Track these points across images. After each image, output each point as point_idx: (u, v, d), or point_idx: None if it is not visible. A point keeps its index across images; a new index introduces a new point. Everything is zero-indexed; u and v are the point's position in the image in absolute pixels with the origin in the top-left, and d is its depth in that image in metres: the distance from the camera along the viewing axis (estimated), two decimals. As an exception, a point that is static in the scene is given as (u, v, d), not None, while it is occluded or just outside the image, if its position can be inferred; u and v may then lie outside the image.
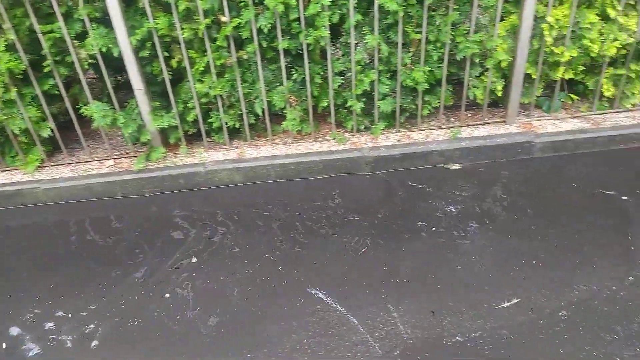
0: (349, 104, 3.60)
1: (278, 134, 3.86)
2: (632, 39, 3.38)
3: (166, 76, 3.42)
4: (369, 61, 3.54)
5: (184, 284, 2.75)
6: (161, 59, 3.36)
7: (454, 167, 3.60)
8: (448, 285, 2.59)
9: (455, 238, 2.91)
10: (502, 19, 3.47)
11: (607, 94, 3.65)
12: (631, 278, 2.54)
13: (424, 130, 3.80)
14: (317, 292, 2.62)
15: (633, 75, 3.58)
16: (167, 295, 2.68)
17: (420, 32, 3.33)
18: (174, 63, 3.45)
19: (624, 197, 3.10)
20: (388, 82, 3.54)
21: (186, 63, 3.38)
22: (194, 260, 2.92)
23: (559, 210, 3.06)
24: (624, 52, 3.49)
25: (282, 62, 3.41)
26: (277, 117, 3.79)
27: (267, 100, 3.59)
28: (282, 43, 3.31)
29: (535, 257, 2.73)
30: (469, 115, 3.94)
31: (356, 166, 3.62)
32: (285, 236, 3.06)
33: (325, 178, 3.60)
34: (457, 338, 2.30)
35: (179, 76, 3.58)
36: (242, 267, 2.84)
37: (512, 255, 2.76)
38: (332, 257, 2.86)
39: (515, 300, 2.47)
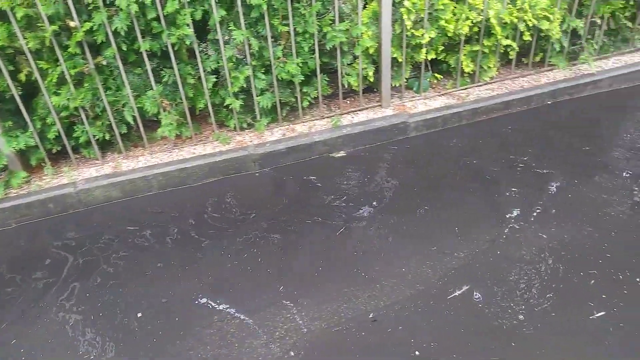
0: (227, 102, 3.50)
1: (156, 141, 3.65)
2: (481, 17, 3.68)
3: (15, 92, 3.05)
4: (241, 57, 3.46)
5: (69, 316, 2.49)
6: (5, 73, 2.98)
7: (339, 155, 3.68)
8: (344, 273, 2.64)
9: (347, 225, 2.98)
10: (364, 7, 3.59)
11: (467, 70, 3.95)
12: (501, 240, 2.78)
13: (307, 121, 3.82)
14: (212, 302, 2.53)
15: (487, 51, 3.90)
16: (56, 326, 2.41)
17: (287, 25, 3.31)
18: (22, 77, 3.09)
19: (490, 166, 3.39)
20: (264, 76, 3.50)
21: (37, 75, 3.05)
22: (76, 287, 2.65)
23: (437, 184, 3.26)
24: (476, 29, 3.78)
25: (148, 65, 3.21)
26: (153, 123, 3.58)
27: (138, 107, 3.36)
28: (143, 44, 3.11)
29: (420, 232, 2.88)
30: (348, 102, 4.04)
31: (243, 165, 3.54)
32: (172, 248, 2.90)
33: (213, 182, 3.48)
34: (355, 323, 2.35)
35: (32, 90, 3.22)
36: (130, 288, 2.64)
37: (400, 233, 2.89)
38: (225, 263, 2.77)
39: (463, 289, 2.59)
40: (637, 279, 2.45)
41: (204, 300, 2.54)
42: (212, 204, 3.24)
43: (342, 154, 3.68)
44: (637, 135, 3.58)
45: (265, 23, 3.28)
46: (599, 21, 4.05)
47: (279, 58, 3.44)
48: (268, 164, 3.58)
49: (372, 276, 2.61)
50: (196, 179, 3.45)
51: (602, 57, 4.30)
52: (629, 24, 4.12)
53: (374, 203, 3.14)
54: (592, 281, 2.47)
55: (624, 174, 3.20)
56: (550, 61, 4.15)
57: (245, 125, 3.74)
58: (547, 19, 3.77)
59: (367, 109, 3.95)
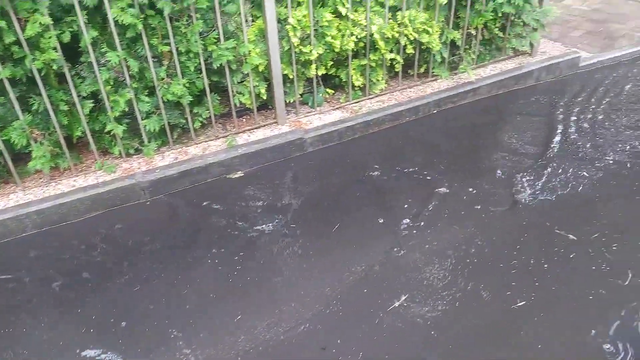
0: (108, 128, 3.26)
1: (30, 175, 3.30)
2: (365, 33, 3.79)
3: None
4: (121, 79, 3.24)
5: None
6: None
7: (236, 176, 3.57)
8: (242, 302, 2.54)
9: (246, 249, 2.88)
10: (253, 22, 3.54)
11: (357, 83, 4.04)
12: (396, 249, 2.85)
13: (200, 143, 3.67)
14: (95, 352, 2.30)
15: (374, 65, 4.02)
16: None
17: (168, 44, 3.16)
18: None
19: (383, 177, 3.48)
20: (148, 99, 3.31)
21: None
22: None
23: (334, 199, 3.28)
24: (362, 44, 3.88)
25: (11, 94, 2.89)
26: (26, 156, 3.23)
27: (4, 140, 3.02)
28: (3, 72, 2.79)
29: (320, 250, 2.86)
30: (244, 120, 3.96)
31: (132, 195, 3.31)
32: (51, 296, 2.62)
33: (97, 216, 3.21)
34: (254, 355, 2.26)
35: None
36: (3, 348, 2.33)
37: (300, 253, 2.85)
38: (109, 305, 2.54)
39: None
40: (513, 271, 2.62)
41: (90, 353, 2.31)
42: (97, 240, 2.98)
43: (239, 174, 3.58)
44: (514, 138, 3.87)
45: (144, 43, 3.10)
46: (474, 32, 4.35)
47: (162, 79, 3.27)
48: (160, 191, 3.38)
49: (272, 301, 2.53)
50: (78, 214, 3.16)
51: (480, 66, 4.62)
52: (500, 34, 4.47)
53: (273, 224, 3.07)
54: (481, 284, 2.60)
55: (504, 175, 3.43)
56: (433, 72, 4.38)
57: (132, 151, 3.51)
58: (427, 32, 3.97)
59: (263, 126, 3.89)
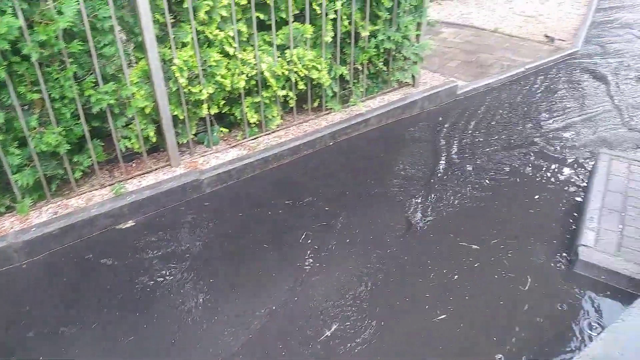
0: (-29, 186, 2.89)
1: None
2: (256, 71, 3.81)
3: None
4: (-16, 131, 2.92)
5: None
6: None
7: (127, 226, 3.34)
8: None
9: (139, 307, 2.66)
10: (136, 63, 3.39)
11: (252, 120, 4.02)
12: (299, 287, 2.81)
13: (83, 193, 3.39)
14: None
15: (267, 101, 4.05)
16: None
17: (39, 91, 2.92)
18: None
19: (283, 213, 3.46)
20: (18, 151, 3.00)
21: None
22: None
23: (235, 241, 3.18)
24: (253, 82, 3.89)
25: None
26: None
27: None
28: None
29: (222, 297, 2.74)
30: (134, 165, 3.74)
31: (4, 258, 2.94)
32: None
33: (-40, 286, 2.80)
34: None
35: None
36: None
37: (201, 303, 2.69)
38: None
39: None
40: (431, 284, 2.71)
41: None
42: (-40, 317, 2.59)
43: (130, 223, 3.35)
44: (405, 164, 4.07)
45: (10, 91, 2.83)
46: (360, 67, 4.57)
47: (34, 128, 2.99)
48: (38, 251, 3.04)
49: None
50: None
51: (369, 98, 4.85)
52: (385, 68, 4.75)
53: (170, 274, 2.89)
54: (397, 303, 2.63)
55: (399, 199, 3.58)
56: (327, 105, 4.51)
57: (3, 210, 3.14)
58: (316, 68, 4.09)
59: (155, 170, 3.70)
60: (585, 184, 3.70)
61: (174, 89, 3.50)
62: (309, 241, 3.16)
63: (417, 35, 4.84)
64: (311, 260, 3.00)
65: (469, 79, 5.57)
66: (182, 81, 3.43)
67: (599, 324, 2.55)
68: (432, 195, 3.62)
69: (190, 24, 3.40)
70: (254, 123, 4.12)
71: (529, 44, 6.56)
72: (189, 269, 2.94)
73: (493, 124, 4.72)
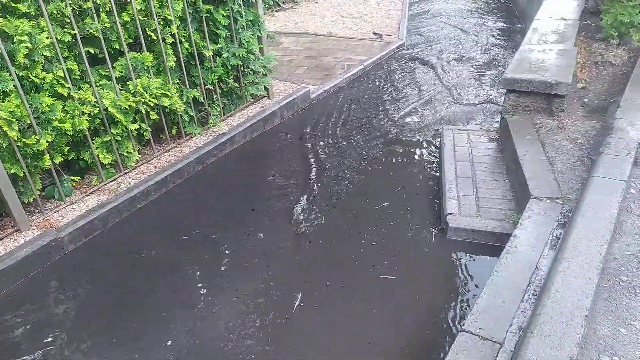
0: None
1: None
2: (98, 108, 3.50)
3: None
4: None
5: None
6: None
7: (-23, 313, 2.81)
8: None
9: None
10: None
11: (106, 161, 3.69)
12: (186, 327, 2.65)
13: None
14: None
15: (119, 138, 3.75)
16: None
17: None
18: None
19: (164, 252, 3.24)
20: None
21: None
22: None
23: (118, 294, 2.88)
24: (99, 121, 3.57)
25: None
26: None
27: None
28: None
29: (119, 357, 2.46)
30: (-30, 240, 3.18)
31: None
32: None
33: None
34: None
35: None
36: None
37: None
38: None
39: None
40: (326, 288, 2.75)
41: None
42: None
43: (-19, 309, 2.84)
44: (279, 175, 4.10)
45: None
46: (212, 87, 4.49)
47: None
48: None
49: None
50: None
51: (229, 116, 4.79)
52: (237, 85, 4.73)
53: (41, 353, 2.51)
54: (302, 316, 2.62)
55: (280, 212, 3.59)
56: (186, 131, 4.34)
57: None
58: (166, 95, 3.90)
59: (2, 239, 3.19)
60: (438, 159, 4.12)
61: (4, 145, 3.04)
62: (199, 274, 3.01)
63: (261, 49, 4.92)
64: (205, 293, 2.85)
65: (318, 82, 5.83)
66: (13, 134, 3.00)
67: (480, 277, 2.86)
68: (311, 199, 3.70)
69: (8, 71, 2.99)
70: (109, 164, 3.78)
71: (362, 43, 7.10)
72: (65, 341, 2.58)
73: (350, 121, 5.00)
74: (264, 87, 5.06)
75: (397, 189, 3.79)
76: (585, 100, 4.15)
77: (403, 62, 6.51)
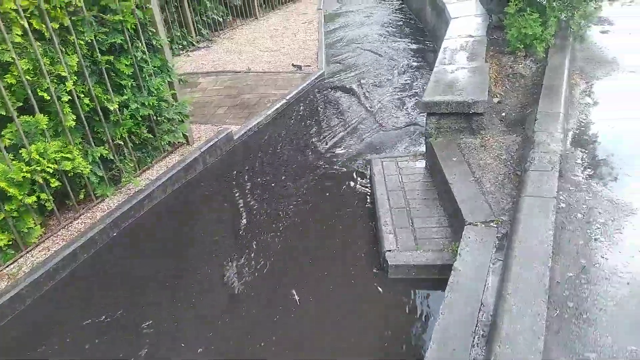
0: None
1: None
2: (-15, 185, 3.06)
3: None
4: None
5: None
6: None
7: None
8: None
9: None
10: None
11: (2, 243, 3.22)
12: None
13: None
14: None
15: (16, 214, 3.30)
16: None
17: None
18: None
19: (81, 341, 2.83)
20: None
21: None
22: None
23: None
24: (-13, 198, 3.13)
25: None
26: None
27: None
28: None
29: None
30: None
31: None
32: None
33: None
34: None
35: None
36: None
37: None
38: None
39: None
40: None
41: None
42: None
43: None
44: (204, 228, 3.80)
45: None
46: (122, 142, 4.13)
47: None
48: None
49: None
50: None
51: (146, 169, 4.43)
52: (151, 136, 4.40)
53: None
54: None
55: (212, 270, 3.28)
56: (96, 194, 3.93)
57: None
58: (67, 158, 3.51)
59: None
60: (371, 191, 4.00)
61: None
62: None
63: (174, 95, 4.64)
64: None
65: (241, 121, 5.60)
66: None
67: (429, 317, 2.71)
68: (241, 253, 3.43)
69: None
70: (6, 245, 3.31)
71: (283, 76, 6.99)
72: None
73: (276, 160, 4.80)
74: (182, 134, 4.75)
75: (332, 229, 3.61)
76: (503, 114, 4.22)
77: (325, 91, 6.45)
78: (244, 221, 3.82)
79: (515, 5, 4.74)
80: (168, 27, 8.06)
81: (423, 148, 4.31)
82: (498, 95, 4.50)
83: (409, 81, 6.44)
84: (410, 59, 7.28)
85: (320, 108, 5.95)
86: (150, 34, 4.29)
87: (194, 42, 8.78)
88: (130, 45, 4.05)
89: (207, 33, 9.11)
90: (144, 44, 4.22)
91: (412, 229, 3.24)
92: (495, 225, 2.85)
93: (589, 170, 3.13)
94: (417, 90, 6.07)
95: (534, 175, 2.89)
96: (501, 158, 3.54)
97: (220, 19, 9.46)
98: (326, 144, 5.01)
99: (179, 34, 8.41)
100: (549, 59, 4.59)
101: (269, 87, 6.58)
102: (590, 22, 4.89)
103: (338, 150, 4.86)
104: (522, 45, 4.77)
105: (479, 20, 5.89)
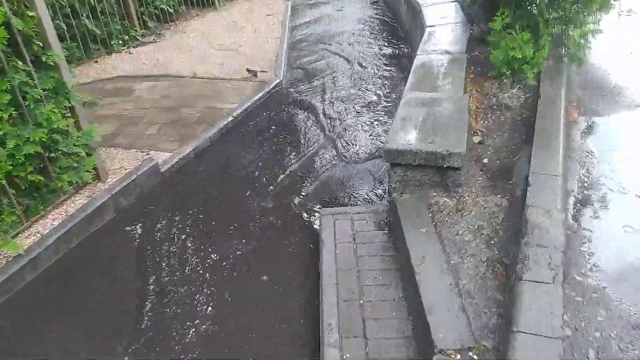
0: None
1: None
2: None
3: None
4: None
5: None
6: None
7: None
8: None
9: None
10: None
11: None
12: None
13: None
14: None
15: None
16: None
17: None
18: None
19: None
20: None
21: None
22: None
23: None
24: None
25: None
26: None
27: None
28: None
29: None
30: None
31: None
32: None
33: None
34: None
35: None
36: None
37: None
38: None
39: None
40: None
41: None
42: None
43: None
44: (96, 314, 2.90)
45: None
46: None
47: None
48: None
49: None
50: None
51: (33, 221, 3.48)
52: (41, 178, 3.43)
53: None
54: None
55: None
56: (-46, 264, 2.98)
57: None
58: None
59: None
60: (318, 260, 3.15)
61: None
62: None
63: (76, 122, 3.67)
64: None
65: (174, 145, 4.66)
66: None
67: None
68: (147, 343, 2.56)
69: None
70: None
71: (233, 85, 6.02)
72: None
73: (209, 204, 3.90)
74: (88, 170, 3.78)
75: (265, 323, 2.76)
76: (485, 160, 3.40)
77: (281, 107, 5.53)
78: (150, 298, 2.94)
79: (502, 19, 3.89)
80: (106, 20, 6.96)
81: (386, 202, 3.47)
82: (479, 133, 3.68)
83: (377, 96, 5.57)
84: (381, 68, 6.39)
85: (273, 129, 5.03)
86: (37, 48, 3.29)
87: (137, 37, 7.68)
88: (5, 64, 3.07)
89: (155, 26, 8.01)
90: (28, 61, 3.24)
91: (364, 340, 2.41)
92: (476, 357, 2.04)
93: (600, 264, 2.34)
94: (386, 108, 5.21)
95: (529, 291, 2.07)
96: (482, 233, 2.73)
97: (171, 9, 8.35)
98: (272, 182, 4.12)
99: (119, 27, 7.31)
100: (541, 89, 3.77)
101: (216, 99, 5.62)
102: (590, 42, 4.09)
103: (285, 192, 3.98)
104: (509, 71, 3.94)
105: (458, 30, 5.02)
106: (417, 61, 4.34)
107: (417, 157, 2.99)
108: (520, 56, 3.78)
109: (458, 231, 2.76)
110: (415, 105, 3.51)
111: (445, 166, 2.97)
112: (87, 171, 3.77)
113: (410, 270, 2.56)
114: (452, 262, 2.54)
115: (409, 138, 3.09)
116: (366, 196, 3.86)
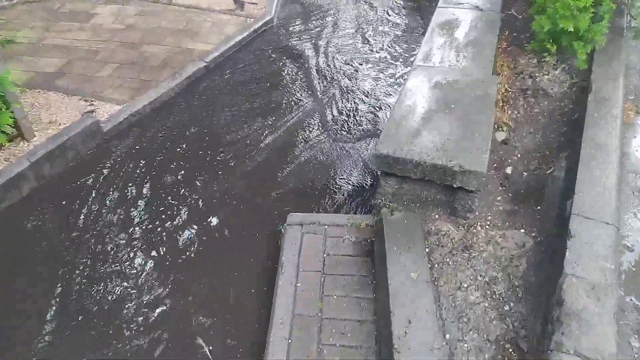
0: None
1: None
2: None
3: None
4: None
5: None
6: None
7: None
8: None
9: None
10: None
11: None
12: None
13: None
14: None
15: None
16: None
17: None
18: None
19: None
20: None
21: None
22: None
23: None
24: None
25: None
26: None
27: None
28: None
29: None
30: None
31: None
32: None
33: None
34: None
35: None
36: None
37: None
38: None
39: None
40: None
41: None
42: None
43: None
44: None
45: None
46: None
47: None
48: None
49: None
50: None
51: None
52: None
53: None
54: None
55: None
56: None
57: None
58: None
59: None
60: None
61: None
62: None
63: (-20, 67, 2.81)
64: None
65: (127, 95, 3.80)
66: None
67: None
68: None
69: None
70: None
71: (213, 17, 5.00)
72: None
73: (155, 184, 3.12)
74: (9, 126, 2.98)
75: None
76: (509, 170, 2.60)
77: (267, 54, 4.57)
78: (55, 308, 2.27)
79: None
80: None
81: (374, 212, 2.69)
82: (504, 128, 2.84)
83: (384, 48, 4.60)
84: (395, 11, 5.32)
85: (251, 84, 4.13)
86: None
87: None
88: None
89: None
90: None
91: None
92: None
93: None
94: (392, 69, 4.29)
95: None
96: (495, 292, 1.99)
97: None
98: (241, 159, 3.32)
99: None
100: (593, 77, 2.85)
101: (187, 36, 4.64)
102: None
103: (252, 176, 3.20)
104: (554, 46, 3.00)
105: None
106: (435, 18, 3.36)
107: (418, 169, 2.18)
108: (573, 29, 2.84)
109: (461, 283, 2.03)
110: (426, 87, 2.63)
111: (455, 186, 2.18)
112: (1, 131, 2.96)
113: (389, 337, 1.86)
114: (447, 336, 1.83)
115: (410, 140, 2.26)
116: (351, 191, 3.10)
